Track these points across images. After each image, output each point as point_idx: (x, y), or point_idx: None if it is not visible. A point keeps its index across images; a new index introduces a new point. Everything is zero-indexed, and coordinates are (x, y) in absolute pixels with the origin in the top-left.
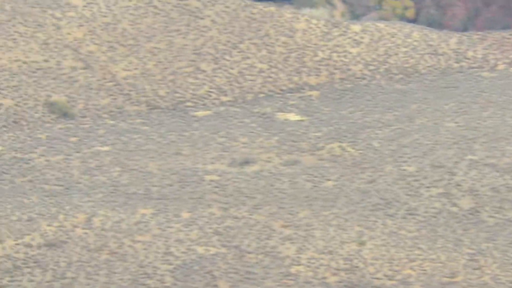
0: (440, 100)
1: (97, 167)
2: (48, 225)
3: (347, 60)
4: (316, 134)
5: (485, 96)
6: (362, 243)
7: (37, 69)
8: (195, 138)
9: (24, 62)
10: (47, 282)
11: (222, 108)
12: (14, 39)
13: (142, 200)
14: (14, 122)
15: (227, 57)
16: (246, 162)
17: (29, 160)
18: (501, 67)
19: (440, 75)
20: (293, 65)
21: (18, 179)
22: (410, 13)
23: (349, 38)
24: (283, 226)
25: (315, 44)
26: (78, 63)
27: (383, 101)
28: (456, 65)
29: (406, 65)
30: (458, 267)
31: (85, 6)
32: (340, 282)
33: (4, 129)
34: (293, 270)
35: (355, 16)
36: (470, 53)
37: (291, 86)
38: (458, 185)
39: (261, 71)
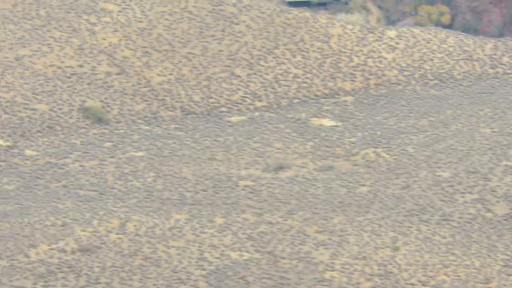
0: (475, 106)
1: (132, 173)
2: (82, 230)
3: (382, 65)
4: (351, 139)
5: None
6: (396, 249)
7: (72, 74)
8: (229, 143)
9: (59, 67)
10: (81, 287)
11: (256, 114)
12: (49, 44)
13: (176, 206)
14: (49, 127)
15: (262, 63)
16: (281, 168)
17: (64, 165)
18: None
19: (475, 81)
20: (328, 71)
21: (52, 184)
22: (445, 19)
23: (384, 43)
24: (317, 231)
25: (350, 50)
26: (113, 68)
27: (418, 107)
28: (491, 70)
29: (441, 71)
30: (493, 273)
31: (120, 12)
32: None
33: (39, 134)
34: (327, 275)
35: (391, 22)
36: (505, 59)
37: (325, 91)
38: (493, 191)
39: (296, 76)
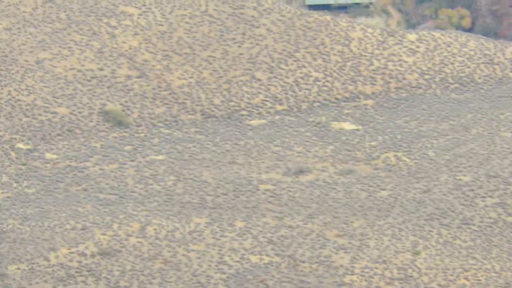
0: (496, 110)
1: (152, 176)
2: (102, 234)
3: (402, 69)
4: (371, 143)
5: None
6: (416, 253)
7: (92, 77)
8: (250, 147)
9: (79, 71)
10: None
11: (277, 117)
12: (70, 47)
13: (197, 209)
14: (69, 130)
15: (283, 66)
16: (301, 171)
17: (84, 168)
18: None
19: (496, 85)
20: (349, 74)
21: (72, 188)
22: (466, 22)
23: (405, 47)
24: (337, 235)
25: (370, 53)
26: (133, 71)
27: (439, 111)
28: None
29: (462, 74)
30: None
31: (140, 15)
32: None
33: (59, 137)
34: (347, 279)
35: (411, 25)
36: None
37: (346, 95)
38: None
39: (316, 80)
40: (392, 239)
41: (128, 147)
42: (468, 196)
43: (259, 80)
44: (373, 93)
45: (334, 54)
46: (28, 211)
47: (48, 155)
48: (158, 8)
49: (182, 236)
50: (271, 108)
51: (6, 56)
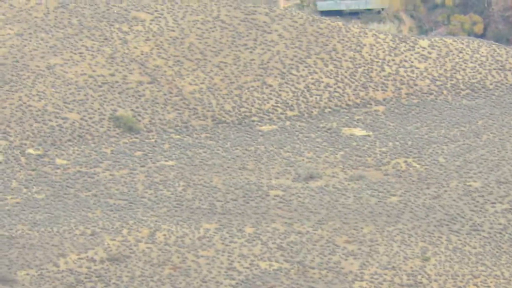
0: (507, 116)
1: (162, 182)
2: (112, 240)
3: (414, 75)
4: (382, 149)
5: None
6: (426, 259)
7: (103, 83)
8: (260, 152)
9: (91, 76)
10: None
11: (287, 123)
12: (81, 53)
13: (206, 215)
14: (80, 136)
15: (294, 72)
16: (311, 177)
17: (94, 174)
18: None
19: (507, 91)
20: (360, 80)
21: (82, 193)
22: (478, 28)
23: (417, 53)
24: (347, 241)
25: (382, 59)
26: (145, 77)
27: (450, 117)
28: None
29: (473, 81)
30: None
31: (152, 20)
32: None
33: (69, 143)
34: (356, 285)
35: (423, 31)
36: None
37: (357, 101)
38: None
39: (327, 86)
40: (401, 245)
41: (138, 153)
42: (478, 202)
43: (270, 86)
44: (384, 99)
45: (346, 60)
46: (37, 216)
47: (58, 161)
48: (170, 14)
49: (191, 242)
50: (282, 114)
51: (17, 61)
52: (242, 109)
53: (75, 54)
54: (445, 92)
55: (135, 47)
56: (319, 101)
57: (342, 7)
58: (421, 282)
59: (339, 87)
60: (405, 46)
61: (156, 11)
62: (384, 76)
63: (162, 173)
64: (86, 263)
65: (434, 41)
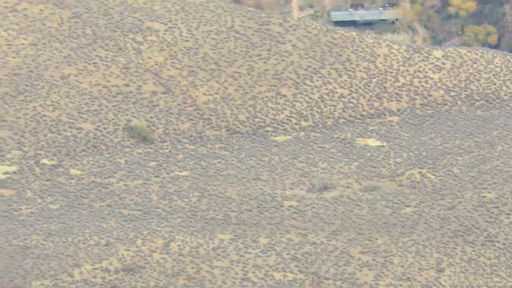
0: None
1: (176, 192)
2: (126, 250)
3: (428, 85)
4: (396, 160)
5: None
6: (441, 270)
7: (118, 93)
8: (275, 163)
9: (105, 86)
10: None
11: (302, 133)
12: (95, 63)
13: (221, 225)
14: (94, 146)
15: (308, 82)
16: (325, 188)
17: (108, 184)
18: None
19: None
20: (374, 91)
21: (97, 204)
22: (492, 39)
23: (431, 63)
24: (361, 252)
25: (396, 70)
26: (159, 87)
27: (464, 127)
28: None
29: (488, 91)
30: None
31: (166, 31)
32: None
33: (84, 153)
34: None
35: (437, 42)
36: None
37: (371, 111)
38: None
39: (341, 96)
40: (416, 256)
41: (152, 163)
42: (492, 213)
43: (285, 96)
44: (398, 110)
45: (360, 71)
46: (52, 226)
47: (72, 171)
48: (184, 24)
49: (206, 252)
50: (296, 124)
51: (31, 71)
52: (256, 119)
53: (89, 64)
54: (459, 102)
55: (149, 57)
56: (333, 111)
57: (356, 17)
58: None
59: (353, 97)
60: (419, 57)
61: (170, 21)
62: (398, 86)
63: (177, 184)
64: (101, 274)
65: (448, 52)
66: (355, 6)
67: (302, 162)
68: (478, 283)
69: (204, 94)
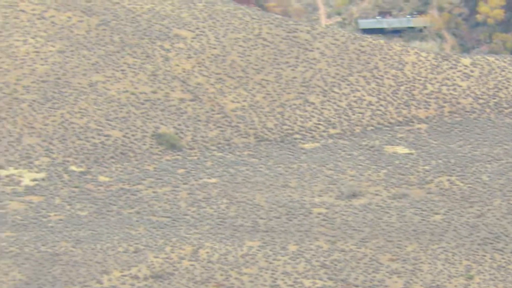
0: None
1: (205, 199)
2: (155, 257)
3: (456, 93)
4: (425, 167)
5: None
6: (470, 278)
7: (146, 100)
8: (303, 170)
9: (133, 93)
10: None
11: (330, 141)
12: (123, 70)
13: (249, 232)
14: (122, 153)
15: (336, 90)
16: (354, 195)
17: (137, 191)
18: None
19: None
20: (402, 98)
21: (125, 211)
22: None
23: (459, 71)
24: (390, 259)
25: (424, 77)
26: (187, 94)
27: (493, 135)
28: None
29: None
30: None
31: (194, 38)
32: None
33: (112, 160)
34: None
35: (465, 49)
36: None
37: (400, 119)
38: None
39: (369, 104)
40: (445, 264)
41: (181, 170)
42: None
43: (313, 103)
44: (426, 117)
45: (388, 78)
46: (80, 233)
47: (101, 178)
48: (211, 31)
49: (234, 259)
50: (324, 131)
51: (59, 78)
52: (285, 127)
53: (117, 71)
54: (487, 110)
55: (177, 65)
56: (362, 119)
57: (384, 25)
58: None
59: (381, 105)
60: (447, 64)
61: (197, 28)
62: (427, 94)
63: (205, 191)
64: (130, 280)
65: (477, 59)
66: (383, 14)
67: (331, 169)
68: None
69: (232, 101)
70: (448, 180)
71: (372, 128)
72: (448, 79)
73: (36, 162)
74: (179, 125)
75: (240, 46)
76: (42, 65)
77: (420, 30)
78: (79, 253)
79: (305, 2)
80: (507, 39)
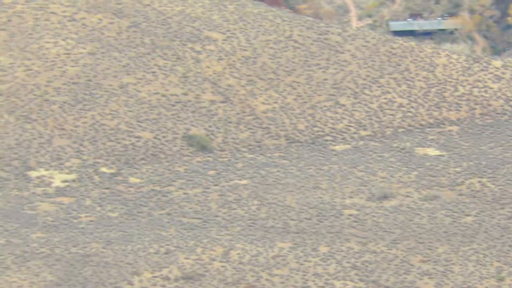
0: None
1: (235, 201)
2: (186, 258)
3: (487, 95)
4: (456, 169)
5: None
6: (501, 279)
7: (176, 102)
8: (334, 172)
9: (163, 95)
10: None
11: (361, 143)
12: (154, 72)
13: (280, 234)
14: (153, 155)
15: (367, 92)
16: (385, 197)
17: (168, 193)
18: None
19: None
20: (433, 100)
21: (156, 212)
22: None
23: (490, 73)
24: (421, 261)
25: (455, 79)
26: (217, 96)
27: None
28: None
29: None
30: None
31: (225, 40)
32: None
33: (143, 162)
34: None
35: (496, 52)
36: None
37: (431, 121)
38: None
39: (400, 105)
40: (476, 265)
41: (211, 172)
42: None
43: (343, 105)
44: (458, 119)
45: (419, 80)
46: (111, 234)
47: (131, 179)
48: (242, 33)
49: (265, 260)
50: (355, 133)
51: (90, 80)
52: (315, 129)
53: (148, 73)
54: None
55: (208, 67)
56: (393, 120)
57: (415, 27)
58: None
59: (412, 107)
60: (478, 66)
61: (228, 30)
62: (458, 96)
63: (236, 192)
64: (161, 282)
65: (508, 62)
66: (414, 16)
67: (361, 171)
68: None
69: (263, 103)
70: (479, 182)
71: (403, 130)
72: (479, 81)
73: (67, 164)
74: (210, 126)
75: (271, 48)
76: (73, 67)
77: (451, 32)
78: (109, 254)
79: (336, 4)
80: None
